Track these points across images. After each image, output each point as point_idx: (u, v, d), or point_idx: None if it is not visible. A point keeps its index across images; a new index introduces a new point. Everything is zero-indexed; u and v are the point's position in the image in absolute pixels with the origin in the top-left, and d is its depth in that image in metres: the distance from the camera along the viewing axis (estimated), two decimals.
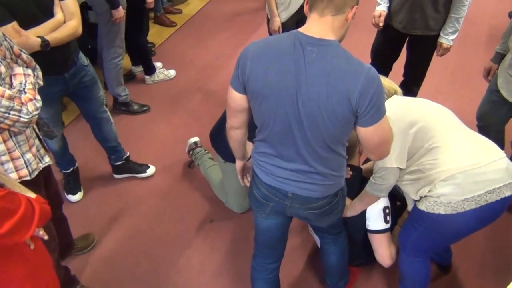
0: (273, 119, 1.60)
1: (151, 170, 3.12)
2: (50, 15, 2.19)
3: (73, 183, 2.92)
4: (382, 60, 3.15)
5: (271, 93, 1.54)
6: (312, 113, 1.53)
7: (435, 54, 2.99)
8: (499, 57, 2.61)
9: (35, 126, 1.92)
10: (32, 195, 1.48)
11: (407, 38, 3.01)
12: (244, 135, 1.83)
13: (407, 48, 3.09)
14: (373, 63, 3.18)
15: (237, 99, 1.66)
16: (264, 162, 1.75)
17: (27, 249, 1.47)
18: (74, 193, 2.91)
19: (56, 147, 2.73)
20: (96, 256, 2.61)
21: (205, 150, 3.08)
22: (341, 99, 1.48)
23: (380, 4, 3.01)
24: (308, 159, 1.65)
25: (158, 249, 2.65)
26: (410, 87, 3.19)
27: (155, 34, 4.74)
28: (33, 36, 2.11)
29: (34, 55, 2.06)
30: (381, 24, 2.96)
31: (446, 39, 2.85)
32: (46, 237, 1.54)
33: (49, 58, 2.17)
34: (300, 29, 1.54)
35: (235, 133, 1.81)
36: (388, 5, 2.97)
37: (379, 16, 2.99)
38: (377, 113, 1.52)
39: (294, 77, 1.50)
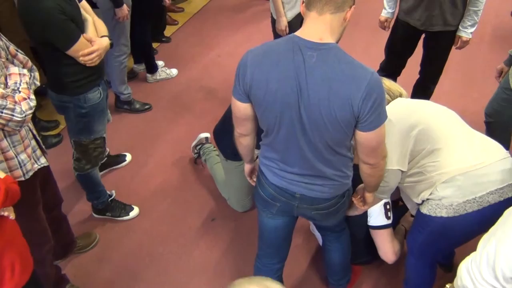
0: (277, 125, 1.60)
1: (128, 157, 3.21)
2: (82, 20, 2.20)
3: (122, 204, 2.83)
4: (397, 57, 3.16)
5: (274, 100, 1.54)
6: (313, 117, 1.52)
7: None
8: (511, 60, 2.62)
9: (31, 127, 1.91)
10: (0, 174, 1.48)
11: (423, 35, 3.01)
12: (253, 141, 1.83)
13: (423, 45, 3.07)
14: (388, 60, 3.20)
15: (241, 108, 1.66)
16: (271, 166, 1.75)
17: None
18: (132, 210, 2.83)
19: (98, 177, 2.63)
20: (98, 254, 2.61)
21: (213, 147, 3.08)
22: (343, 105, 1.47)
23: (385, 9, 3.03)
24: (313, 162, 1.65)
25: (160, 247, 2.65)
26: (427, 84, 3.19)
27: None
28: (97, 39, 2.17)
29: (88, 66, 2.14)
30: (387, 29, 3.05)
31: (466, 32, 2.86)
32: (11, 217, 1.53)
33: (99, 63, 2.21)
34: (297, 33, 1.52)
35: (244, 140, 1.81)
36: (393, 10, 2.99)
37: (385, 21, 3.07)
38: (378, 118, 1.51)
39: (295, 82, 1.49)
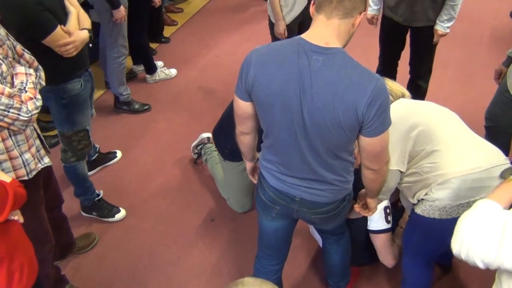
0: (277, 127, 1.59)
1: (118, 153, 3.21)
2: (66, 12, 2.21)
3: (110, 205, 2.81)
4: (389, 50, 3.20)
5: (275, 102, 1.53)
6: (317, 122, 1.51)
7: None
8: (510, 61, 2.61)
9: (36, 126, 1.92)
10: (6, 179, 1.48)
11: (409, 31, 3.04)
12: (253, 140, 1.82)
13: (410, 42, 3.10)
14: (382, 52, 3.25)
15: (242, 106, 1.66)
16: (271, 169, 1.75)
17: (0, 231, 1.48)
18: (118, 212, 2.81)
19: (85, 171, 2.62)
20: (97, 255, 2.61)
21: (214, 147, 3.09)
22: (348, 110, 1.46)
23: (370, 6, 3.07)
24: (314, 166, 1.64)
25: (159, 247, 2.65)
26: (418, 82, 3.20)
27: None
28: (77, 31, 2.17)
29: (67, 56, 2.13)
30: (374, 26, 3.12)
31: (442, 26, 2.87)
32: (21, 220, 1.55)
33: (81, 53, 2.21)
34: (304, 36, 1.51)
35: (245, 138, 1.81)
36: (379, 7, 3.05)
37: (372, 18, 3.12)
38: (382, 124, 1.50)
39: (298, 86, 1.48)
